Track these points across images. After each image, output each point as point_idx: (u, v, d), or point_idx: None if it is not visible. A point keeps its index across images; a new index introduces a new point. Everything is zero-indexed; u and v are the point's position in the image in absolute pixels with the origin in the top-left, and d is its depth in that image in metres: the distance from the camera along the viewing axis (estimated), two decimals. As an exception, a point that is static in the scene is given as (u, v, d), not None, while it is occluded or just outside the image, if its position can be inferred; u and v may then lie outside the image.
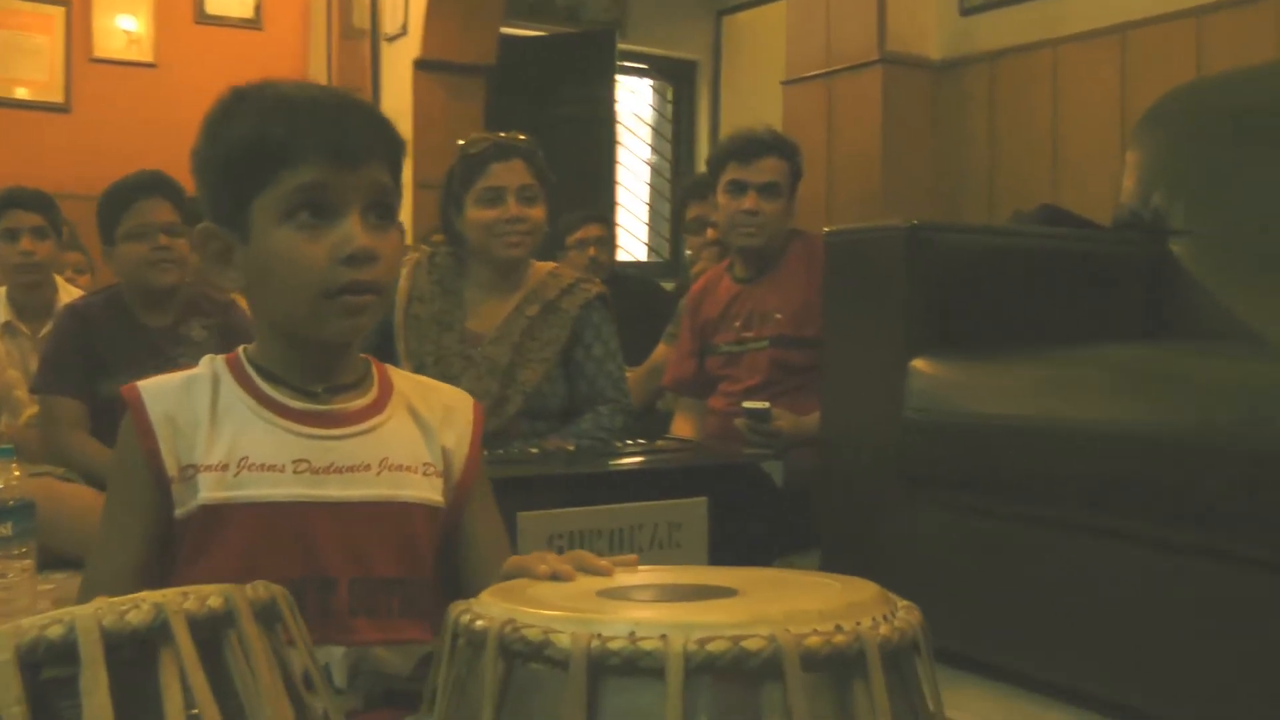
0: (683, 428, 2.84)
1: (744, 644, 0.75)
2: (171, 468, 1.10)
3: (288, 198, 1.09)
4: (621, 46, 6.06)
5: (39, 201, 3.23)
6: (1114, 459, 1.60)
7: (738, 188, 2.70)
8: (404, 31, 5.31)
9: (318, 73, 6.16)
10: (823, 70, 3.38)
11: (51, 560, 2.34)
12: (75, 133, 5.78)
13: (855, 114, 3.29)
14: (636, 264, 6.35)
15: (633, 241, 6.59)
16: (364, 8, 5.66)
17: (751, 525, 1.98)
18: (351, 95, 1.19)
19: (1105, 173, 2.70)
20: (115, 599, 0.78)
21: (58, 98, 5.87)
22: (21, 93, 5.82)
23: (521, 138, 2.47)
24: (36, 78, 5.82)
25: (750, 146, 2.74)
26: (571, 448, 2.13)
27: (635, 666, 0.75)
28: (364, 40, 5.65)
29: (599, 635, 0.76)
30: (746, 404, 2.44)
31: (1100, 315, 2.16)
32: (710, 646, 0.74)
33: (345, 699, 1.06)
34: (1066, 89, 3.07)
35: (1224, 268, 2.20)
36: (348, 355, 1.18)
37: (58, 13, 5.86)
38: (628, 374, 2.61)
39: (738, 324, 2.75)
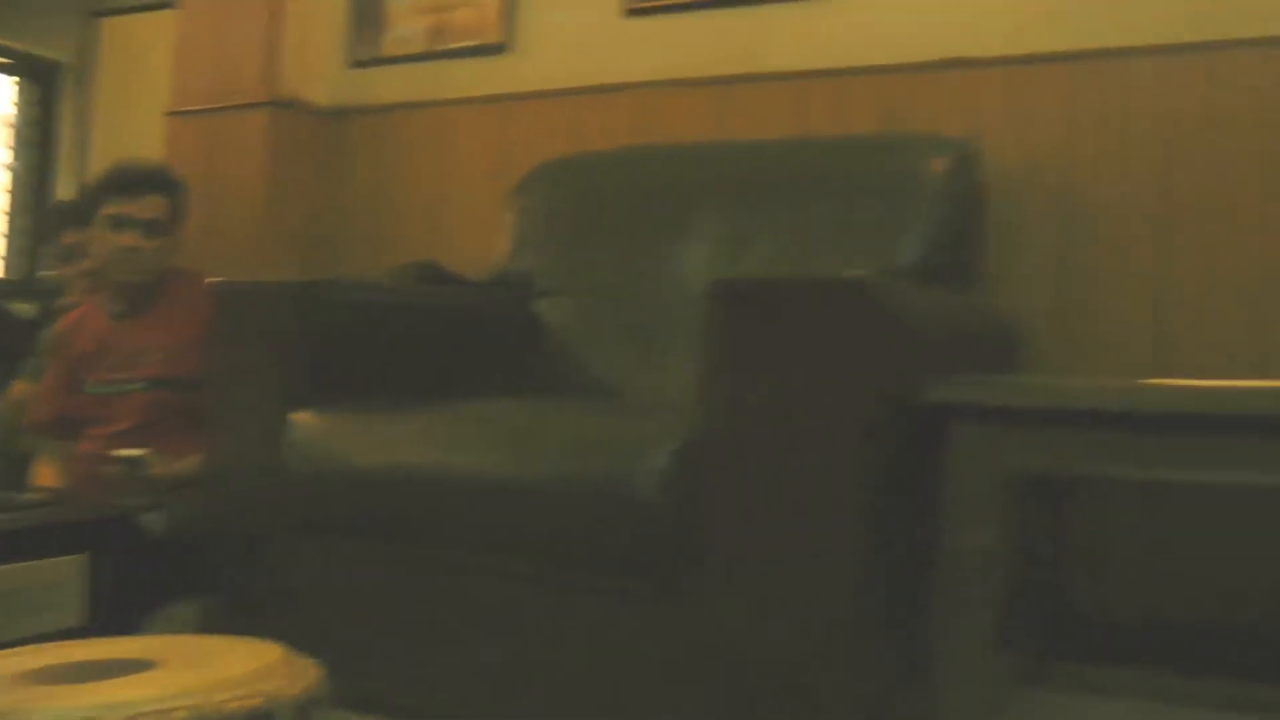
0: (45, 473, 2.71)
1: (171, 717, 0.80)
2: None
3: None
4: (-21, 38, 5.58)
5: None
6: (486, 504, 1.78)
7: (119, 222, 2.65)
8: None
9: None
10: (210, 105, 3.35)
11: None
12: None
13: (240, 153, 3.29)
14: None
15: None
16: None
17: (130, 580, 1.97)
18: None
19: (482, 232, 2.90)
20: None
21: None
22: None
23: None
24: None
25: (134, 181, 2.69)
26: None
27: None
28: None
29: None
30: (121, 452, 2.37)
31: (476, 368, 2.36)
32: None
33: None
34: (452, 149, 3.26)
35: (585, 327, 2.50)
36: None
37: None
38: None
39: (112, 363, 2.68)
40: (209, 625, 1.99)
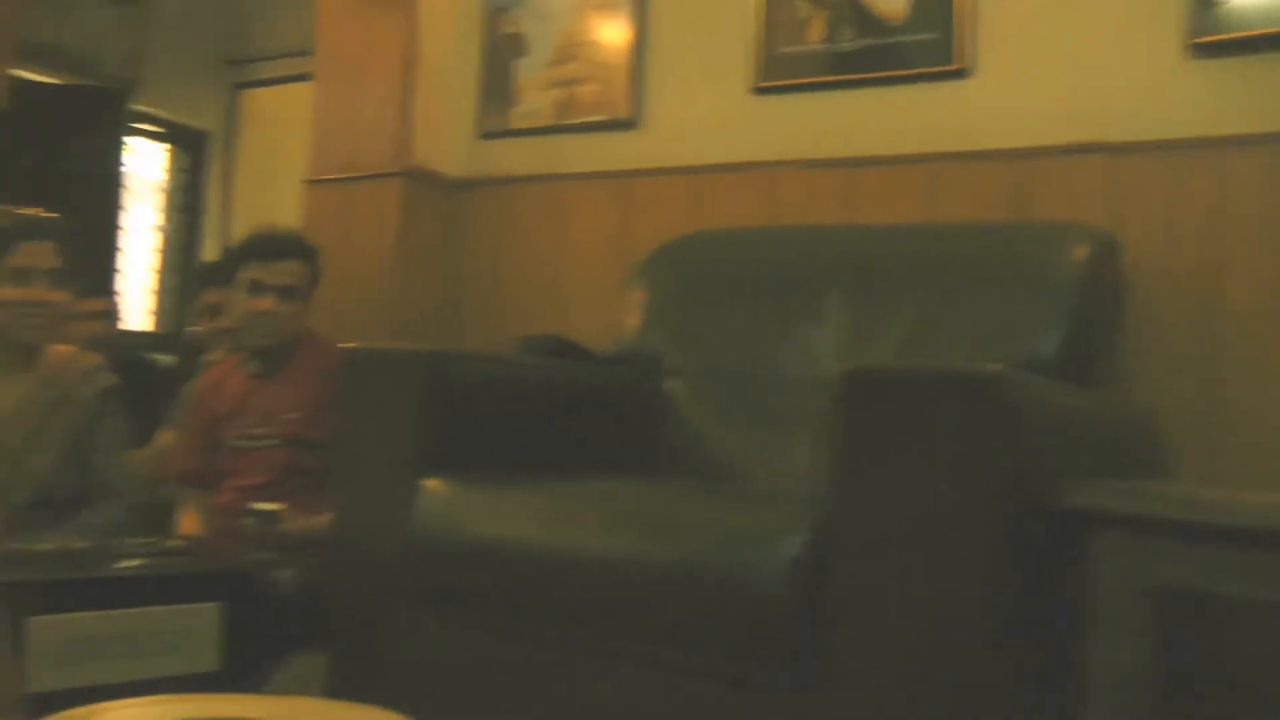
0: (188, 521, 2.80)
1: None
2: None
3: None
4: (135, 108, 5.83)
5: None
6: (605, 587, 1.76)
7: (257, 287, 2.73)
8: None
9: None
10: (345, 175, 3.45)
11: None
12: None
13: (374, 221, 3.39)
14: (141, 334, 6.05)
15: (136, 309, 6.27)
16: None
17: (261, 630, 2.01)
18: None
19: (608, 307, 2.91)
20: None
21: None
22: None
23: (52, 216, 2.40)
24: None
25: (273, 247, 2.78)
26: (81, 544, 2.09)
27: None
28: None
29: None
30: (256, 505, 2.45)
31: (600, 443, 2.37)
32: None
33: None
34: (574, 223, 3.29)
35: (712, 408, 2.49)
36: None
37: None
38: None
39: (249, 420, 2.76)
40: (336, 681, 2.03)
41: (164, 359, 4.35)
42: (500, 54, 3.50)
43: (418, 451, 2.07)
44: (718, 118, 3.11)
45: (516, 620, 1.90)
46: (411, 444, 2.08)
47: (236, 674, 1.92)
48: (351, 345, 2.24)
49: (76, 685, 1.71)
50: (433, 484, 2.02)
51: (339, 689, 2.02)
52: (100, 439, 2.41)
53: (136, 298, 6.29)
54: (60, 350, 2.45)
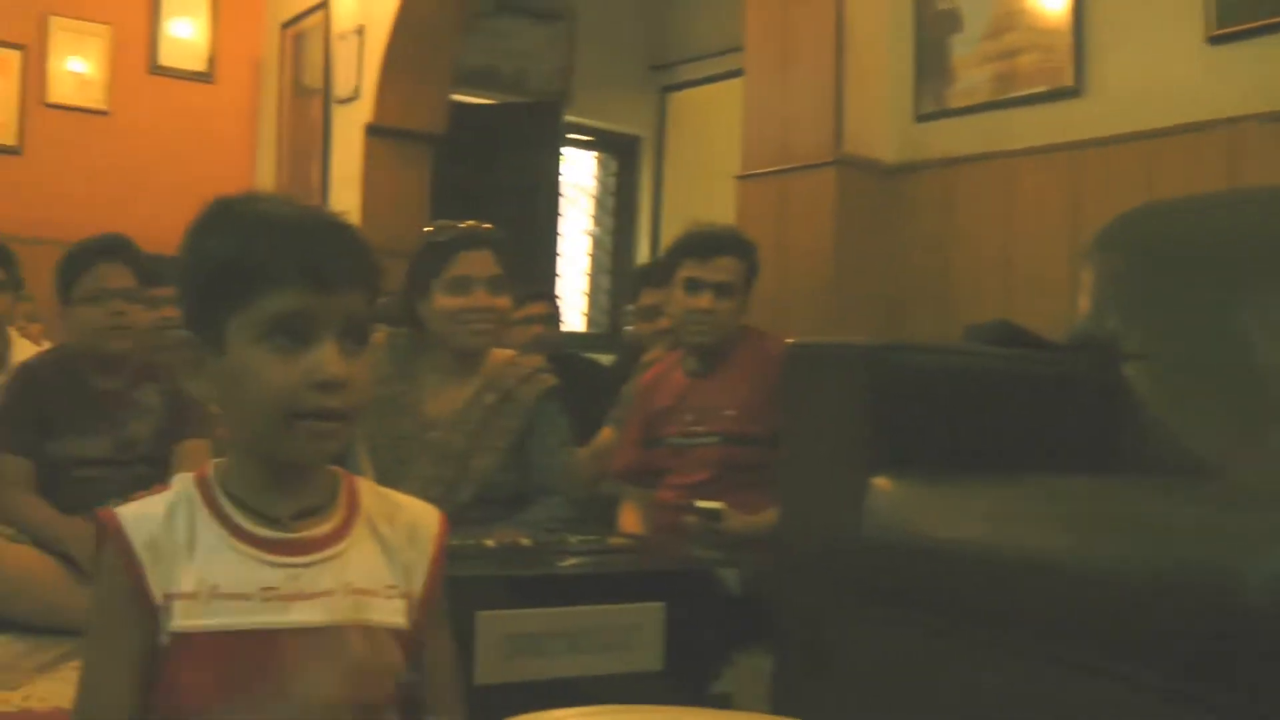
0: (629, 518, 2.85)
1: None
2: (157, 594, 1.10)
3: (264, 321, 1.09)
4: (566, 118, 6.11)
5: None
6: (1062, 592, 1.63)
7: (694, 285, 2.73)
8: (356, 95, 5.31)
9: (268, 130, 6.14)
10: (777, 167, 3.42)
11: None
12: (26, 176, 5.72)
13: (808, 213, 3.34)
14: (575, 335, 6.36)
15: (572, 311, 6.61)
16: (316, 68, 5.65)
17: (705, 630, 1.99)
18: (333, 218, 1.19)
19: (1057, 289, 2.76)
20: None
21: (10, 140, 5.80)
22: (-28, 133, 5.75)
23: (488, 227, 2.49)
24: (-11, 119, 5.76)
25: (709, 244, 2.77)
26: (526, 540, 2.13)
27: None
28: (315, 100, 5.64)
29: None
30: (699, 503, 2.45)
31: (1055, 437, 2.20)
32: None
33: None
34: (1018, 202, 3.12)
35: (1178, 395, 2.26)
36: (315, 476, 1.19)
37: (13, 56, 5.82)
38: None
39: (688, 418, 2.77)
40: (780, 680, 1.98)
41: (602, 359, 4.52)
42: (933, 32, 3.35)
43: (865, 448, 1.98)
44: (1170, 75, 2.83)
45: (967, 625, 1.79)
46: (859, 440, 1.99)
47: (679, 674, 1.90)
48: (793, 340, 2.19)
49: (519, 680, 1.74)
50: (882, 482, 1.93)
51: (783, 691, 1.98)
52: (542, 439, 2.47)
53: (573, 301, 6.62)
54: (502, 354, 2.55)
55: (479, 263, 2.42)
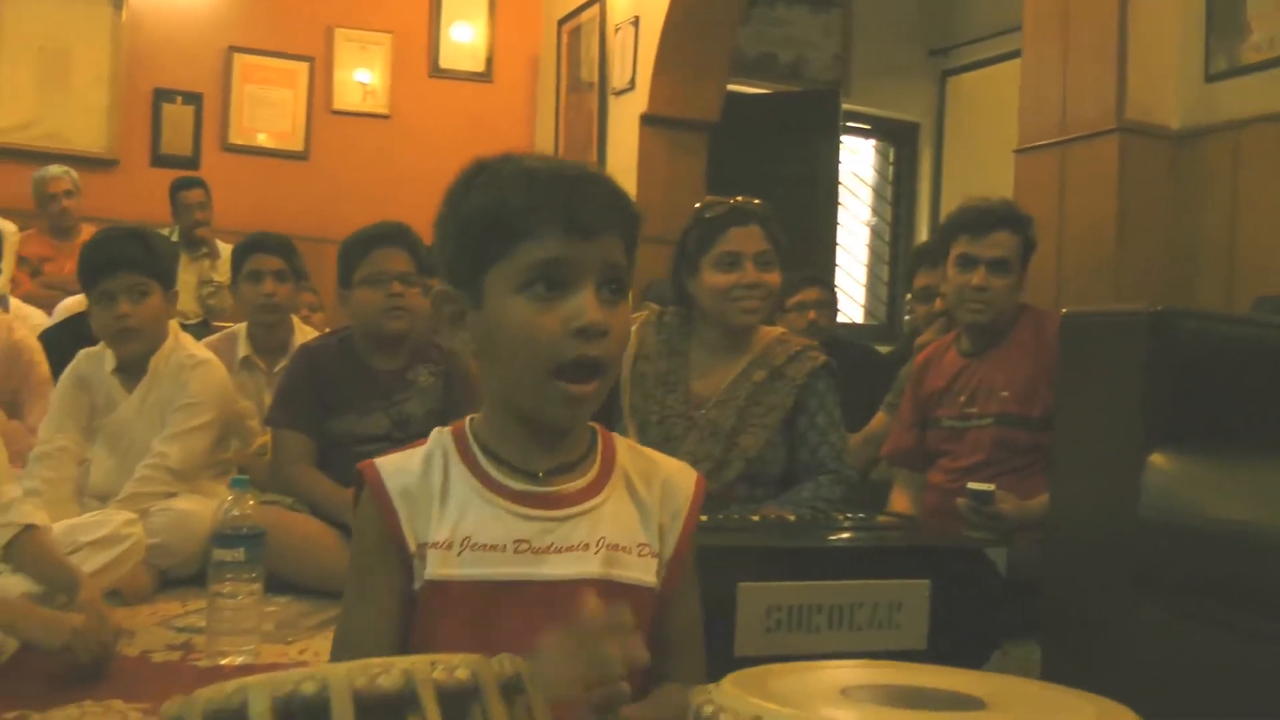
0: (900, 500, 2.80)
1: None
2: (411, 543, 1.14)
3: (524, 270, 1.11)
4: (844, 107, 6.04)
5: (282, 246, 3.42)
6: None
7: (967, 262, 2.65)
8: (631, 86, 5.43)
9: (545, 125, 6.35)
10: (1057, 139, 3.29)
11: (275, 584, 2.48)
12: (313, 179, 6.14)
13: (1089, 184, 3.19)
14: (852, 326, 6.29)
15: (848, 303, 6.54)
16: (592, 62, 5.81)
17: (972, 612, 1.93)
18: (590, 168, 1.19)
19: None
20: (366, 661, 0.79)
21: (298, 146, 6.23)
22: (264, 139, 6.21)
23: (757, 203, 2.48)
24: (280, 128, 6.23)
25: (982, 219, 2.67)
26: (792, 517, 2.11)
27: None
28: (591, 94, 5.80)
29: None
30: (971, 485, 2.37)
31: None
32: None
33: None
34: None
35: None
36: (572, 431, 1.20)
37: (302, 68, 6.25)
38: (843, 440, 2.59)
39: (962, 399, 2.70)
40: (1049, 670, 1.90)
41: (882, 348, 4.46)
42: (1226, -17, 3.14)
43: (1143, 421, 1.87)
44: None
45: (1247, 614, 1.65)
46: (1137, 414, 1.89)
47: (943, 656, 1.82)
48: (1070, 310, 2.09)
49: (780, 653, 1.70)
50: (1159, 459, 1.82)
51: (1056, 675, 1.89)
52: (812, 417, 2.43)
53: (850, 292, 6.54)
54: (771, 331, 2.53)
55: (748, 238, 2.41)
